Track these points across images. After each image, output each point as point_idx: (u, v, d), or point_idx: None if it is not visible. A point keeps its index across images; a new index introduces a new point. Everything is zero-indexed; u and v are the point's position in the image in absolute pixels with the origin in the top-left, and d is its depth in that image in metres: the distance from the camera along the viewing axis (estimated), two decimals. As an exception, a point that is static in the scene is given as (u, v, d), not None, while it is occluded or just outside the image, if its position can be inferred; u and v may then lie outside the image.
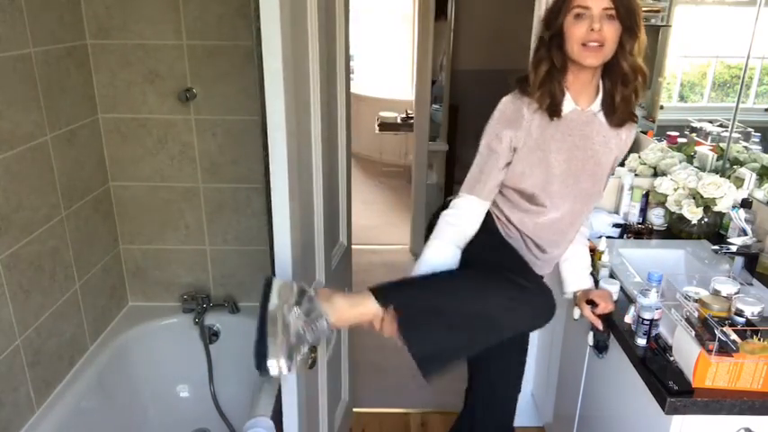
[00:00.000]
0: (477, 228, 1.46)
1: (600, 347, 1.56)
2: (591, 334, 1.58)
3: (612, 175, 1.56)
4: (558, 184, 1.42)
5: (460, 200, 1.45)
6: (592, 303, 1.53)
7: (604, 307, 1.51)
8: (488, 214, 1.49)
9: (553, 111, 1.36)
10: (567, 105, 1.39)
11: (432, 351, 1.28)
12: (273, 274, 1.32)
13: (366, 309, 1.27)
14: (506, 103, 1.41)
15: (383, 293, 1.28)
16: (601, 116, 1.42)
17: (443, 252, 1.43)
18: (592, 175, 1.46)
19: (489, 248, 1.48)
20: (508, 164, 1.42)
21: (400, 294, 1.30)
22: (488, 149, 1.41)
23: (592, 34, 1.28)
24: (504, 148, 1.39)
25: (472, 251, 1.45)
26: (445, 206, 1.50)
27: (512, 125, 1.38)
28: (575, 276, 1.62)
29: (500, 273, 1.32)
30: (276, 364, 1.17)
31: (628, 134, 1.48)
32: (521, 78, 1.42)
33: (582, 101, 1.40)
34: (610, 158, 1.47)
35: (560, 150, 1.40)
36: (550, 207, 1.45)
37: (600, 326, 1.53)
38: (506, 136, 1.38)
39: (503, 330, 1.33)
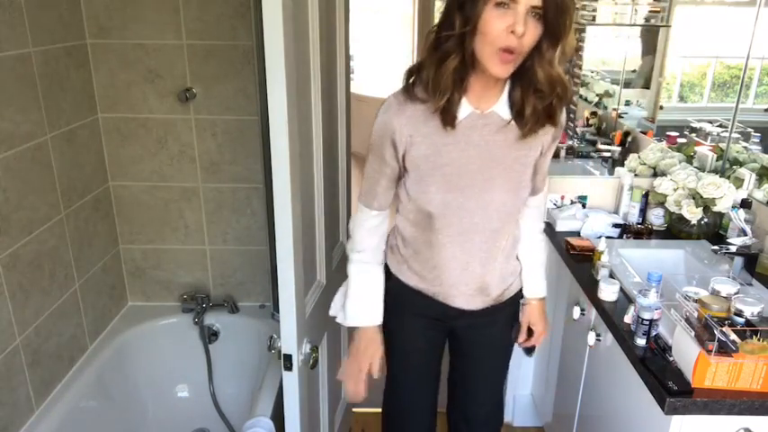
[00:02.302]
0: (376, 241, 1.38)
1: (528, 350, 1.59)
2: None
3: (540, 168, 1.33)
4: (463, 198, 1.24)
5: (356, 212, 1.36)
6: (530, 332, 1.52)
7: (538, 336, 1.51)
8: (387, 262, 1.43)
9: (447, 118, 1.16)
10: (464, 110, 1.19)
11: None
12: (275, 274, 1.31)
13: None
14: (391, 102, 1.22)
15: None
16: (506, 114, 1.21)
17: (362, 276, 1.39)
18: (506, 181, 1.25)
19: (391, 325, 1.47)
20: (400, 172, 1.28)
21: None
22: (374, 155, 1.28)
23: (511, 39, 1.04)
24: (389, 152, 1.25)
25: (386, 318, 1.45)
26: None
27: (397, 126, 1.20)
28: (525, 281, 1.48)
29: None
30: None
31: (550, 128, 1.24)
32: (411, 71, 1.20)
33: (482, 103, 1.20)
34: (530, 157, 1.26)
35: (459, 161, 1.21)
36: (456, 228, 1.27)
37: (526, 345, 1.54)
38: (392, 138, 1.22)
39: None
